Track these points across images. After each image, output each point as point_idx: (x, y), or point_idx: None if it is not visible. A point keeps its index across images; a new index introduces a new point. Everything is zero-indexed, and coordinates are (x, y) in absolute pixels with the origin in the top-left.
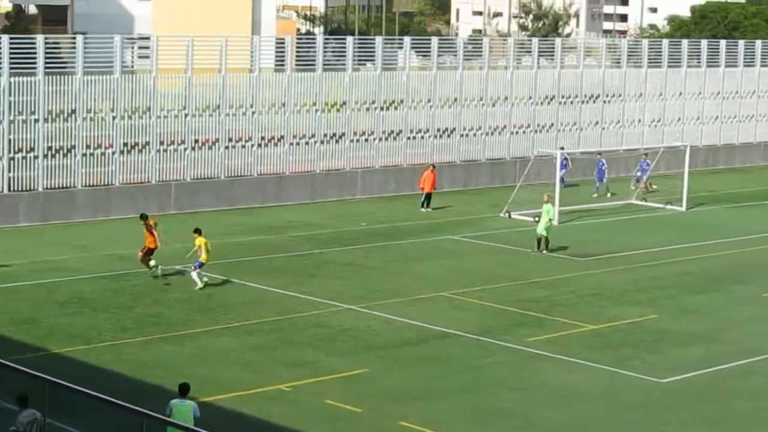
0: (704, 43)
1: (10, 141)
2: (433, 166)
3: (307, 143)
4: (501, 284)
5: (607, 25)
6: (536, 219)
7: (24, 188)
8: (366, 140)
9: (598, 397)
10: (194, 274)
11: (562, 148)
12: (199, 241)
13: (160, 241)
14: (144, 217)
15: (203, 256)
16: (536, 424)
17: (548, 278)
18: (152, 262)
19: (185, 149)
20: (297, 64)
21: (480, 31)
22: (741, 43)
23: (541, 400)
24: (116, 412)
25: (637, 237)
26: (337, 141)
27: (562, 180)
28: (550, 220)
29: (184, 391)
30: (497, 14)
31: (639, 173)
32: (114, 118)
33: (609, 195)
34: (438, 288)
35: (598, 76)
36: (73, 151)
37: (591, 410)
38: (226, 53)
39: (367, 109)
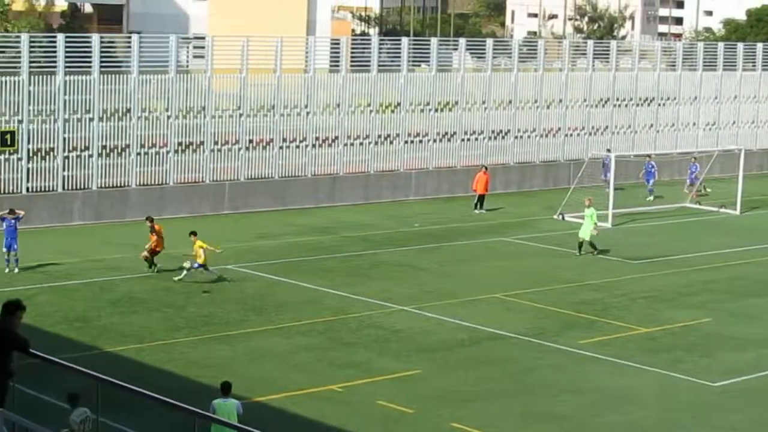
0: (760, 46)
1: (64, 140)
2: (485, 168)
3: (361, 144)
4: (553, 286)
5: (663, 28)
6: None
7: (78, 187)
8: (420, 141)
9: (651, 400)
10: (187, 263)
11: (609, 150)
12: (198, 244)
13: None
14: (150, 220)
15: (201, 258)
16: (589, 427)
17: (601, 281)
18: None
19: (239, 149)
20: (352, 65)
21: (535, 33)
22: None
23: (593, 403)
24: (168, 410)
25: (691, 240)
26: (391, 142)
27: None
28: (596, 223)
29: (226, 390)
30: (552, 16)
31: (694, 177)
32: (169, 117)
33: (652, 198)
34: (491, 289)
35: (652, 79)
36: (127, 150)
37: (643, 413)
38: (281, 53)
39: (422, 111)
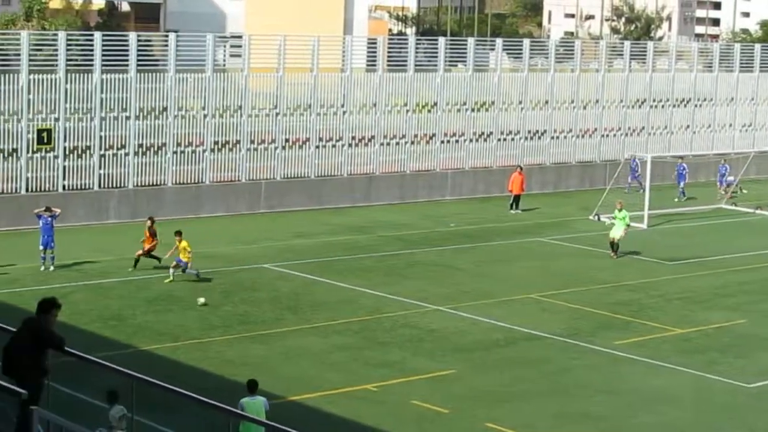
0: None
1: (101, 138)
2: (521, 168)
3: (397, 144)
4: (589, 287)
5: (699, 29)
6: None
7: (114, 185)
8: (456, 141)
9: (686, 401)
10: (171, 270)
11: (633, 154)
12: (182, 245)
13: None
14: (152, 220)
15: (186, 257)
16: (624, 428)
17: (636, 281)
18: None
19: (276, 148)
20: (388, 65)
21: (572, 33)
22: None
23: (628, 404)
24: (202, 409)
25: (726, 241)
26: (427, 142)
27: (630, 186)
28: (628, 225)
29: (252, 387)
30: (589, 17)
31: (731, 178)
32: (205, 116)
33: (684, 199)
34: (526, 290)
35: (689, 80)
36: (163, 148)
37: (678, 414)
38: (318, 53)
39: (458, 110)
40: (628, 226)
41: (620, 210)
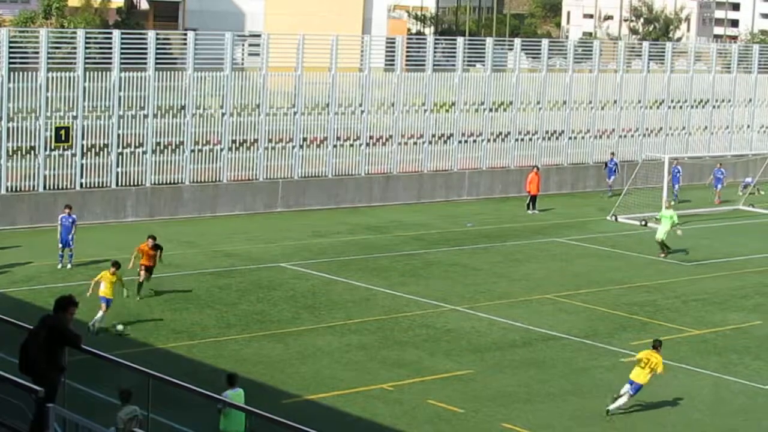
0: None
1: (119, 136)
2: (537, 168)
3: (415, 143)
4: (606, 288)
5: (718, 30)
6: (643, 223)
7: (132, 183)
8: (474, 141)
9: (702, 402)
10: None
11: (613, 154)
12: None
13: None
14: (154, 238)
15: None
16: (640, 429)
17: (653, 282)
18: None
19: (293, 147)
20: (407, 64)
21: (590, 33)
22: None
23: (645, 405)
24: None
25: (744, 243)
26: (445, 142)
27: (609, 188)
28: (675, 224)
29: (233, 380)
30: (608, 17)
31: (749, 179)
32: (223, 115)
33: (675, 202)
34: (543, 290)
35: (707, 81)
36: (181, 147)
37: (696, 415)
38: (337, 52)
39: (476, 111)
40: (675, 224)
41: (667, 209)
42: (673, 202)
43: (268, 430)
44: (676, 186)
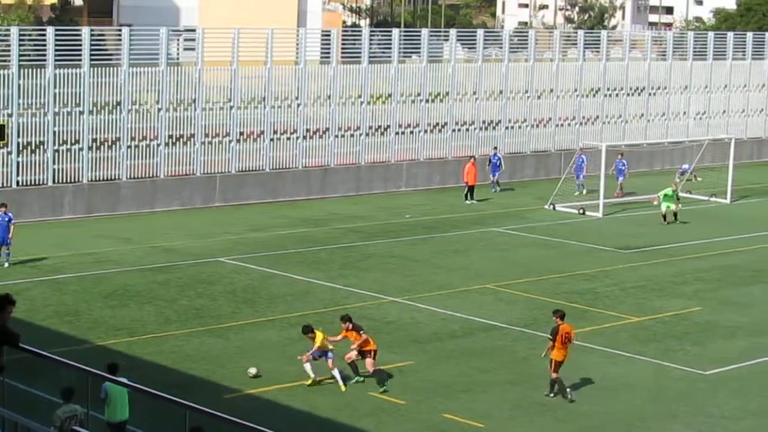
0: (750, 35)
1: (55, 133)
2: (474, 158)
3: (352, 136)
4: (545, 276)
5: (653, 18)
6: (581, 211)
7: (69, 180)
8: (411, 132)
9: (642, 389)
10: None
11: (496, 148)
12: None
13: None
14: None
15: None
16: (581, 416)
17: (592, 270)
18: None
19: (230, 141)
20: (343, 57)
21: (526, 23)
22: None
23: (586, 392)
24: (158, 404)
25: (681, 230)
26: (382, 133)
27: (493, 184)
28: (679, 198)
29: (113, 370)
30: (543, 7)
31: (686, 166)
32: (159, 110)
33: (582, 193)
34: (483, 280)
35: (643, 68)
36: (118, 143)
37: (635, 402)
38: (272, 45)
39: (413, 102)
40: (679, 199)
41: (674, 191)
42: (576, 193)
43: (210, 427)
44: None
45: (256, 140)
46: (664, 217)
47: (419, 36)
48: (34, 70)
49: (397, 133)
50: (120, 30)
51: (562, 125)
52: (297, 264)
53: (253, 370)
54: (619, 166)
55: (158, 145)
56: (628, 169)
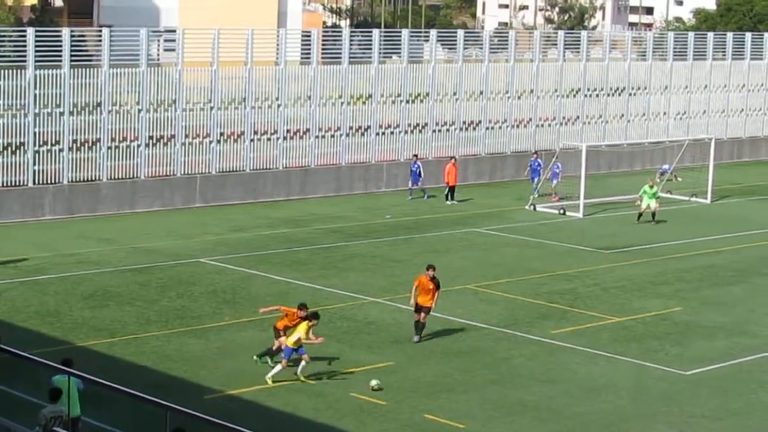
0: (730, 36)
1: (35, 134)
2: (454, 159)
3: (332, 136)
4: (526, 277)
5: (633, 18)
6: (561, 211)
7: (49, 181)
8: (392, 133)
9: (623, 390)
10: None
11: (416, 156)
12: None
13: None
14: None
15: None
16: (562, 417)
17: (573, 271)
18: None
19: (211, 142)
20: (323, 57)
21: (506, 24)
22: (766, 35)
23: (566, 393)
24: (139, 404)
25: (662, 230)
26: (362, 134)
27: (410, 191)
28: (658, 197)
29: (67, 365)
30: (523, 7)
31: (666, 166)
32: (140, 111)
33: (536, 196)
34: (463, 281)
35: (623, 69)
36: (98, 144)
37: (616, 402)
38: (252, 46)
39: (393, 102)
40: (658, 198)
41: (651, 187)
42: (532, 196)
43: (191, 427)
44: (536, 179)
45: (236, 141)
46: (639, 216)
47: (399, 36)
48: (15, 71)
49: (377, 134)
50: (100, 31)
51: (542, 126)
52: (277, 264)
53: (374, 383)
54: (555, 170)
55: (139, 145)
56: (561, 172)
